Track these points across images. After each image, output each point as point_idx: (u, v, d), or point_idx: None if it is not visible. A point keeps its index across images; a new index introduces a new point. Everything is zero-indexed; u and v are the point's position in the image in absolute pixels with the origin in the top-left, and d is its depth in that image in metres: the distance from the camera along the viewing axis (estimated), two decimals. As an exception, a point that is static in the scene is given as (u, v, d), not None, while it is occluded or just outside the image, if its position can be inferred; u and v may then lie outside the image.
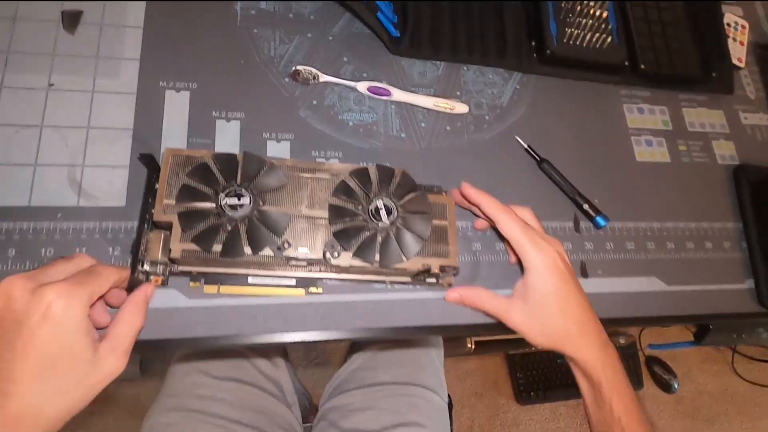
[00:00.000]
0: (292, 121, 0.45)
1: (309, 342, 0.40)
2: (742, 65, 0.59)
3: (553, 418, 1.27)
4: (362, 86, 0.47)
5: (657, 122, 0.54)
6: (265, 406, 0.57)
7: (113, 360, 0.29)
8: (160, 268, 0.36)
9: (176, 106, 0.43)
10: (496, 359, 1.29)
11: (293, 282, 0.38)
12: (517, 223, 0.38)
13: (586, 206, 0.47)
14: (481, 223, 0.45)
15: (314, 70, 0.46)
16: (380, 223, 0.37)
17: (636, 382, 1.32)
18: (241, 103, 0.44)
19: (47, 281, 0.27)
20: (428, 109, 0.48)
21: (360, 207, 0.37)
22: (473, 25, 0.51)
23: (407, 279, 0.40)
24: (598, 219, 0.47)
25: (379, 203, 0.37)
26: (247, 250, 0.34)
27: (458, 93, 0.50)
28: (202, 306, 0.38)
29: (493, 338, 0.97)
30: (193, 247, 0.34)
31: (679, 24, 0.57)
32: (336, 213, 0.36)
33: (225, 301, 0.39)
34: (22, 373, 0.26)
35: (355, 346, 0.68)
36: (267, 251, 0.35)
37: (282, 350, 0.65)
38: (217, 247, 0.34)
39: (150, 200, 0.36)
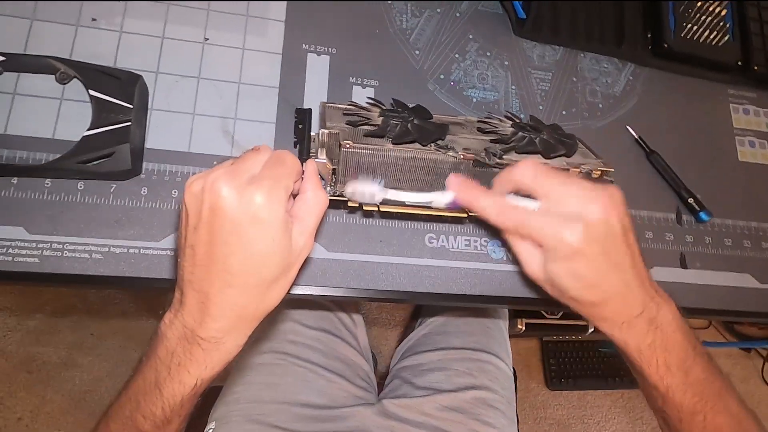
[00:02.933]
0: (421, 93, 0.47)
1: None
2: None
3: (581, 406, 1.30)
4: None
5: (761, 124, 0.55)
6: (349, 358, 0.61)
7: (303, 241, 0.29)
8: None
9: (317, 69, 0.45)
10: (531, 344, 1.32)
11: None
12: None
13: (690, 200, 0.49)
14: None
15: None
16: (530, 134, 0.37)
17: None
18: (374, 71, 0.46)
19: (248, 177, 0.28)
20: (546, 92, 0.50)
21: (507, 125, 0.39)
22: (593, 14, 0.52)
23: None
24: (702, 214, 0.49)
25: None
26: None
27: (574, 79, 0.51)
28: (338, 258, 0.41)
29: (543, 322, 1.00)
30: (362, 145, 0.34)
31: (792, 28, 0.57)
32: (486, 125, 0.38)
33: (358, 256, 0.42)
34: (239, 268, 0.27)
35: (425, 311, 0.71)
36: (432, 152, 0.35)
37: (357, 305, 0.69)
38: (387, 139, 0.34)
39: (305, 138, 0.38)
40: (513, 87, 0.49)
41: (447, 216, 0.36)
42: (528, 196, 0.33)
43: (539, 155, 0.37)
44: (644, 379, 0.35)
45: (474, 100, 0.48)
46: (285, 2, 0.46)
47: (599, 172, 0.37)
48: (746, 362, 1.46)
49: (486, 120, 0.40)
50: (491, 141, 0.38)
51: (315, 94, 0.44)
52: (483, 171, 0.36)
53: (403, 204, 0.35)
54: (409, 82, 0.47)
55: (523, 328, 0.96)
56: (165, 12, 0.43)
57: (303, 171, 0.31)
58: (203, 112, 0.42)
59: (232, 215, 0.26)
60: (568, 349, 1.30)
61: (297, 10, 0.46)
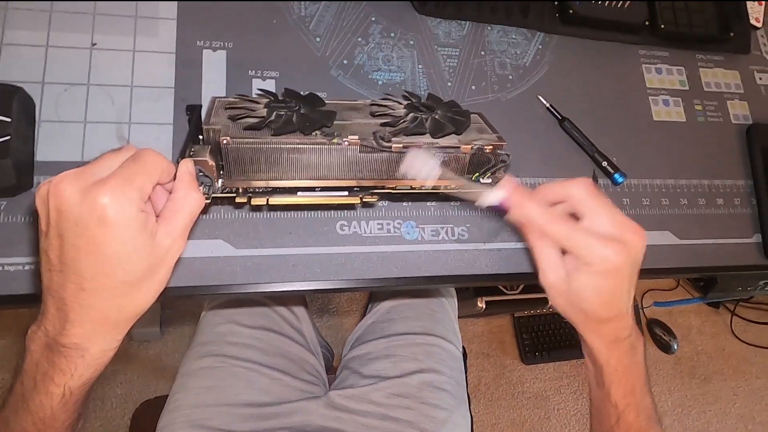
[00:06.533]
0: (325, 80, 0.46)
1: (333, 290, 0.43)
2: (759, 25, 0.60)
3: (557, 377, 1.32)
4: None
5: (674, 82, 0.56)
6: (293, 353, 0.61)
7: (169, 241, 0.28)
8: (204, 188, 0.33)
9: (214, 65, 0.44)
10: (503, 321, 1.34)
11: (345, 193, 0.37)
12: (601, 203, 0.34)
13: (605, 163, 0.49)
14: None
15: None
16: (422, 114, 0.37)
17: (637, 342, 1.37)
18: (275, 62, 0.46)
19: (97, 178, 0.26)
20: (454, 69, 0.50)
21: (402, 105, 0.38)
22: (497, -15, 0.52)
23: (462, 181, 0.38)
24: (616, 176, 0.49)
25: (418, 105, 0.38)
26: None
27: (482, 53, 0.51)
28: (246, 255, 0.41)
29: (504, 298, 1.01)
30: (242, 139, 0.33)
31: (699, -16, 0.58)
32: (378, 108, 0.37)
33: (268, 251, 0.41)
34: (92, 271, 0.26)
35: (374, 297, 0.72)
36: (316, 140, 0.34)
37: (302, 300, 0.69)
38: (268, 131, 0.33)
39: (195, 137, 0.37)
40: (420, 66, 0.49)
41: (341, 204, 0.36)
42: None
43: (428, 135, 0.36)
44: (606, 397, 0.37)
45: (380, 82, 0.48)
46: (176, 1, 0.45)
47: (491, 147, 0.37)
48: (716, 318, 1.50)
49: (378, 102, 0.39)
50: (381, 124, 0.37)
51: (213, 91, 0.44)
52: (370, 156, 0.36)
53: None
54: (311, 70, 0.46)
55: (484, 307, 0.97)
56: (48, 20, 0.42)
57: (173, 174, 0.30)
58: (96, 119, 0.41)
59: (77, 217, 0.25)
60: (540, 323, 1.32)
61: (189, 7, 0.45)
